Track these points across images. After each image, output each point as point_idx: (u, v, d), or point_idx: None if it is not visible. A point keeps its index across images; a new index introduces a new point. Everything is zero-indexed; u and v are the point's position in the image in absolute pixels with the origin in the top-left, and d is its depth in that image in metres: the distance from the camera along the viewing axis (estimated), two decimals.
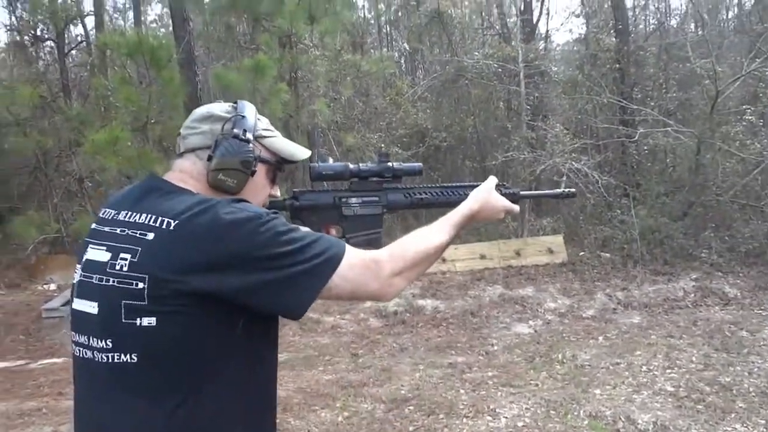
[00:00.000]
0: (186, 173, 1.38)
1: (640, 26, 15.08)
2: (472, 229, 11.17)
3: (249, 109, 1.42)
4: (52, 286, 9.12)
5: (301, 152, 1.50)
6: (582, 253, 9.52)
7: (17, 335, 7.17)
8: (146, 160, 6.94)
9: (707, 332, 6.52)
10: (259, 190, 1.45)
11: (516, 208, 1.67)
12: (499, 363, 5.85)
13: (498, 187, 1.65)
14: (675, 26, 15.01)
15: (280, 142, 1.48)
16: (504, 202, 1.64)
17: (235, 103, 1.44)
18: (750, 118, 9.72)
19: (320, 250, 1.26)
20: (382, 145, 11.31)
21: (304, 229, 1.34)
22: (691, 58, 10.90)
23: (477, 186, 1.64)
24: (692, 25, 14.53)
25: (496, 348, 6.38)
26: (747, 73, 10.07)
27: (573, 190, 1.84)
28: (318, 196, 1.55)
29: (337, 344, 6.69)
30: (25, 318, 7.62)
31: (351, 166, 1.58)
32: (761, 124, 10.01)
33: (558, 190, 1.84)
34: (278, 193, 1.51)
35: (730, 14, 16.01)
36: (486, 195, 1.60)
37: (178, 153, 1.42)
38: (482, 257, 9.41)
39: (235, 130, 1.36)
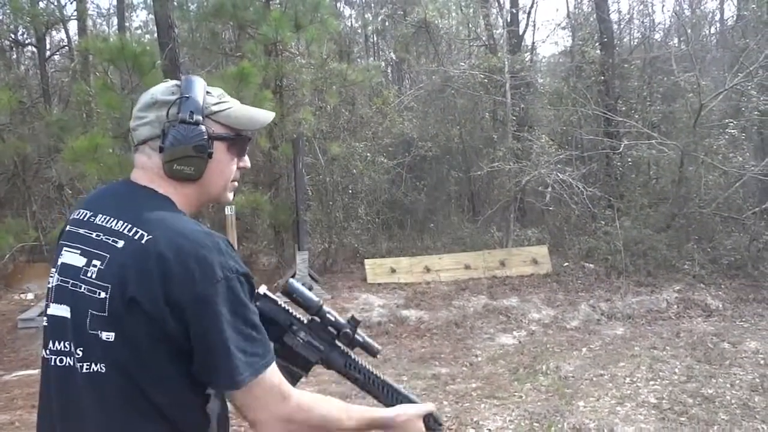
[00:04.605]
0: (148, 170, 1.30)
1: (625, 39, 15.21)
2: (457, 239, 11.16)
3: (195, 86, 1.30)
4: (29, 296, 8.94)
5: (261, 116, 1.39)
6: (566, 264, 9.52)
7: None
8: (127, 168, 6.82)
9: (690, 344, 6.53)
10: (224, 169, 1.35)
11: None
12: (483, 374, 5.81)
13: (429, 417, 1.52)
14: (659, 40, 15.16)
15: (235, 112, 1.35)
16: None
17: (180, 81, 1.33)
18: (732, 131, 9.81)
19: (262, 353, 1.20)
20: (368, 154, 11.26)
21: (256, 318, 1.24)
22: (675, 71, 11.00)
23: (411, 401, 1.54)
24: (676, 40, 14.67)
25: (480, 359, 6.34)
26: (729, 87, 10.18)
27: None
28: (276, 310, 1.43)
29: None
30: (0, 328, 7.45)
31: (324, 307, 1.47)
32: (743, 137, 10.10)
33: None
34: (248, 164, 1.42)
35: (713, 30, 16.19)
36: (404, 418, 1.48)
37: (134, 146, 1.33)
38: (467, 267, 9.39)
39: (181, 115, 1.26)
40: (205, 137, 1.27)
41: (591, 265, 9.44)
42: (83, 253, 1.20)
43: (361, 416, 1.39)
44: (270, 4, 9.67)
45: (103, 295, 1.14)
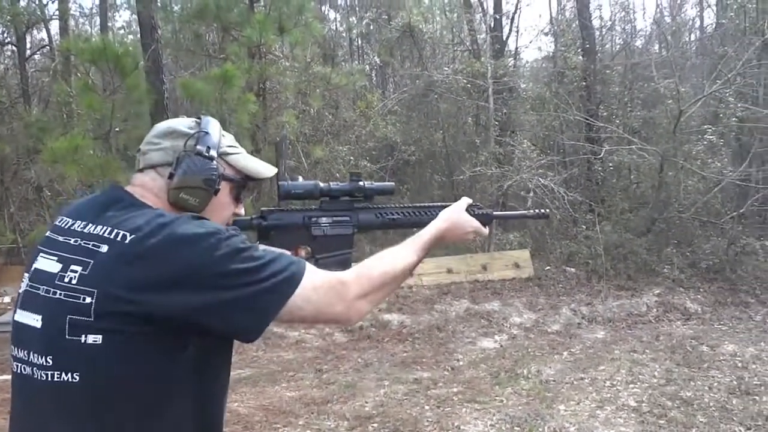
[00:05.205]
0: (146, 189, 1.32)
1: (607, 46, 15.36)
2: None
3: (213, 125, 1.37)
4: (6, 299, 8.81)
5: (266, 169, 1.45)
6: (548, 268, 9.58)
7: None
8: (108, 170, 6.79)
9: (669, 347, 6.60)
10: (223, 209, 1.39)
11: (484, 231, 1.65)
12: (465, 378, 5.82)
13: (470, 208, 1.63)
14: (640, 47, 15.33)
15: (245, 159, 1.43)
16: (473, 224, 1.62)
17: (199, 118, 1.39)
18: (711, 137, 9.94)
19: (280, 269, 1.21)
20: (351, 158, 11.26)
21: (263, 247, 1.29)
22: (655, 78, 11.13)
23: (448, 206, 1.62)
24: (656, 46, 14.85)
25: (461, 363, 6.35)
26: (708, 94, 10.31)
27: (546, 211, 1.80)
28: (286, 215, 1.50)
29: (301, 360, 6.59)
30: None
31: (321, 184, 1.54)
32: (721, 143, 10.24)
33: (531, 211, 1.80)
34: (242, 212, 1.46)
35: (693, 37, 16.40)
36: (455, 216, 1.58)
37: (138, 168, 1.36)
38: (449, 271, 9.40)
39: (198, 147, 1.31)
40: (216, 173, 1.32)
41: (572, 269, 9.50)
42: (60, 260, 1.20)
43: (416, 246, 1.47)
44: (254, 6, 9.63)
45: (88, 299, 1.13)
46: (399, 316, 7.90)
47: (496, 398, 5.23)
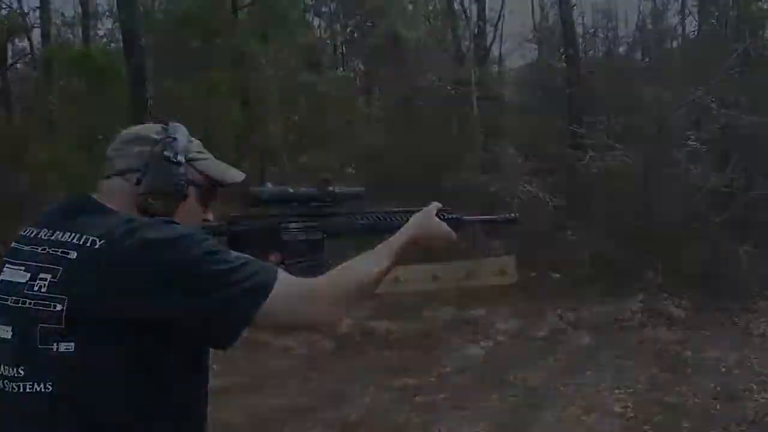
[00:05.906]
0: (113, 195, 1.29)
1: (590, 52, 15.48)
2: (425, 250, 11.19)
3: (181, 131, 1.36)
4: None
5: (235, 175, 1.43)
6: (533, 274, 9.60)
7: None
8: (91, 178, 6.73)
9: (654, 352, 6.64)
10: (192, 215, 1.37)
11: (453, 235, 1.63)
12: (451, 385, 5.82)
13: (440, 213, 1.62)
14: (623, 53, 15.47)
15: (213, 164, 1.41)
16: (443, 228, 1.60)
17: (166, 124, 1.37)
18: (693, 143, 10.02)
19: (252, 272, 1.18)
20: (337, 165, 11.26)
21: (234, 253, 1.28)
22: (638, 84, 11.21)
23: (418, 211, 1.61)
24: (639, 53, 15.00)
25: (447, 370, 6.36)
26: (690, 100, 10.40)
27: (514, 215, 1.80)
28: (255, 221, 1.49)
29: (287, 367, 6.56)
30: None
31: (290, 189, 1.53)
32: (704, 149, 10.33)
33: (500, 216, 1.80)
34: (211, 218, 1.45)
35: (675, 44, 16.57)
36: (425, 221, 1.57)
37: (105, 175, 1.33)
38: (435, 278, 9.38)
39: (166, 153, 1.29)
40: (184, 179, 1.31)
41: (557, 275, 9.53)
42: (27, 269, 1.17)
43: (388, 252, 1.44)
44: (238, 14, 9.63)
45: (59, 307, 1.11)
46: (385, 322, 7.89)
47: (483, 405, 5.23)
